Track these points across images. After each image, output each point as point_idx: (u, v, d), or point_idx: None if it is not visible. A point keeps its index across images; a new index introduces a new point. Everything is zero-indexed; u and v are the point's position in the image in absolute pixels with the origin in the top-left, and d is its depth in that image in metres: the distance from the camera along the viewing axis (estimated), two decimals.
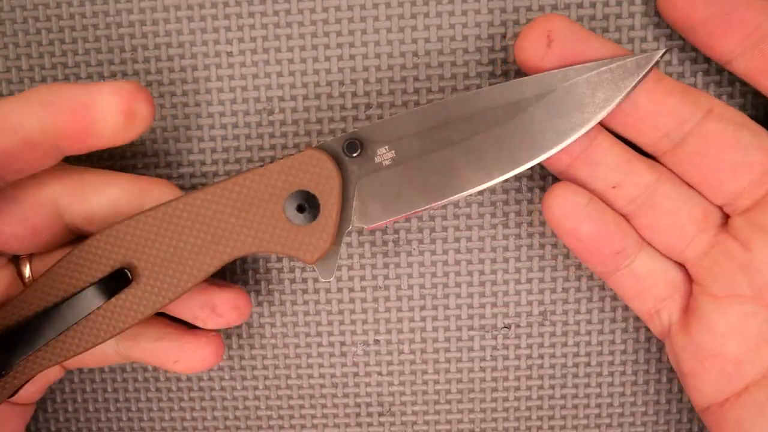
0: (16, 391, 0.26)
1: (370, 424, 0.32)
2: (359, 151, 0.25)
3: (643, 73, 0.24)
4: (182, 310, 0.28)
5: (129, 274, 0.25)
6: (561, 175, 0.27)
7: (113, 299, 0.25)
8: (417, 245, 0.30)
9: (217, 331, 0.29)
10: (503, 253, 0.30)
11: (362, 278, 0.31)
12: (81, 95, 0.23)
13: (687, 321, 0.27)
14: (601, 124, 0.26)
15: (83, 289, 0.25)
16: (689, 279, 0.27)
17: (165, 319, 0.29)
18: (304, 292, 0.31)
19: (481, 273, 0.30)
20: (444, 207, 0.30)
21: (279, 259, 0.31)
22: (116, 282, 0.25)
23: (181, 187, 0.30)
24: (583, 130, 0.25)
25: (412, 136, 0.25)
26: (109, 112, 0.24)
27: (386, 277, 0.31)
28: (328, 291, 0.31)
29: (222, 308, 0.28)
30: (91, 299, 0.25)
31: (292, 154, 0.25)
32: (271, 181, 0.25)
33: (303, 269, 0.31)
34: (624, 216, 0.27)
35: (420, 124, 0.25)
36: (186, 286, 0.25)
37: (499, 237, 0.30)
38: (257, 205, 0.25)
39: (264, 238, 0.25)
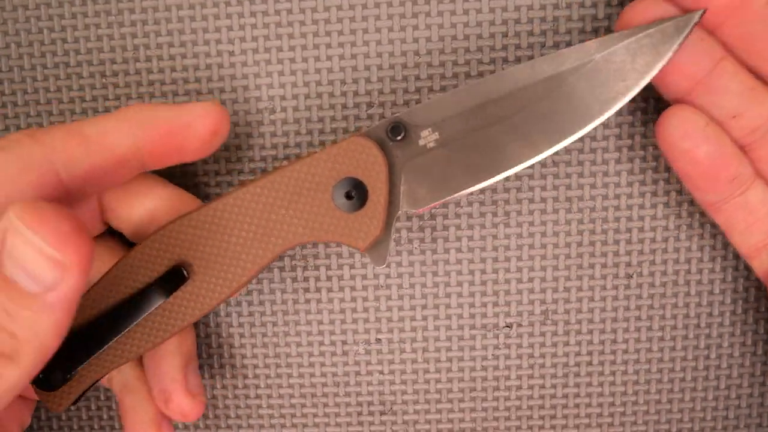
0: (80, 397, 0.26)
1: (371, 423, 0.32)
2: (403, 134, 0.25)
3: (683, 35, 0.24)
4: (151, 379, 0.29)
5: (185, 272, 0.25)
6: (680, 101, 0.26)
7: (171, 297, 0.25)
8: (418, 244, 0.30)
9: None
10: (504, 252, 0.30)
11: (364, 277, 0.31)
12: (176, 117, 0.25)
13: None
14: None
15: (143, 289, 0.25)
16: None
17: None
18: (306, 291, 0.31)
19: (483, 272, 0.30)
20: (445, 206, 0.30)
21: (280, 258, 0.31)
22: (174, 280, 0.25)
23: (184, 186, 0.30)
24: (626, 99, 0.24)
25: (455, 117, 0.25)
26: (201, 133, 0.25)
27: (388, 276, 0.31)
28: (329, 290, 0.31)
29: (173, 406, 0.28)
30: (151, 298, 0.25)
31: (337, 142, 0.25)
32: (318, 170, 0.25)
33: (305, 268, 0.31)
34: (740, 147, 0.26)
35: (461, 105, 0.25)
36: (241, 280, 0.26)
37: (500, 236, 0.30)
38: (306, 194, 0.25)
39: (314, 227, 0.25)
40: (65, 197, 0.24)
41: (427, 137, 0.25)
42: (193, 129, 0.25)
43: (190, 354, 0.29)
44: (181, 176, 0.30)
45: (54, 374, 0.25)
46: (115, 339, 0.25)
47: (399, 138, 0.25)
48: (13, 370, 0.20)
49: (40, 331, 0.20)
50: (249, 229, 0.26)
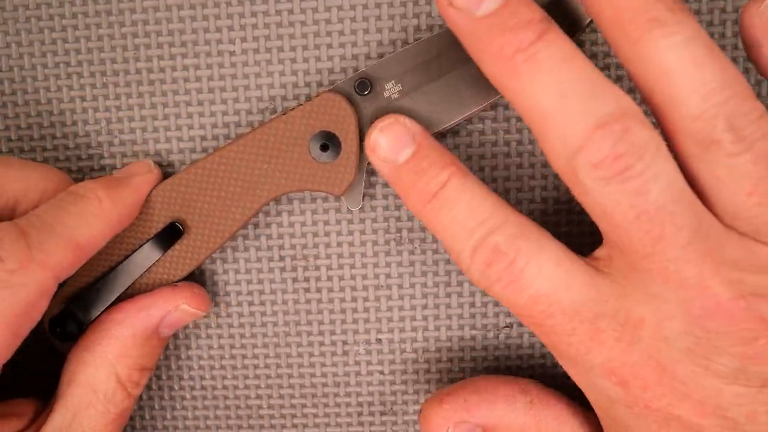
0: None
1: (371, 424, 0.32)
2: (369, 89, 0.27)
3: None
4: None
5: (180, 227, 0.28)
6: None
7: (169, 251, 0.29)
8: (419, 244, 0.30)
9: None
10: None
11: (364, 277, 0.31)
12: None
13: None
14: None
15: (142, 245, 0.28)
16: None
17: None
18: (306, 290, 0.31)
19: None
20: None
21: (281, 258, 0.31)
22: (170, 235, 0.28)
23: None
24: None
25: (415, 69, 0.27)
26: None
27: (388, 276, 0.31)
28: (330, 290, 0.31)
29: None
30: (150, 253, 0.28)
31: (310, 99, 0.27)
32: (294, 126, 0.27)
33: (305, 268, 0.31)
34: None
35: (420, 57, 0.27)
36: (231, 230, 0.28)
37: None
38: (284, 149, 0.28)
39: (294, 179, 0.28)
40: None
41: (391, 89, 0.27)
42: (144, 190, 0.29)
43: None
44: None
45: (69, 327, 0.28)
46: (122, 292, 0.28)
47: (366, 93, 0.27)
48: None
49: None
50: (236, 183, 0.28)
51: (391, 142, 0.25)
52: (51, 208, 0.26)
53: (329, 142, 0.27)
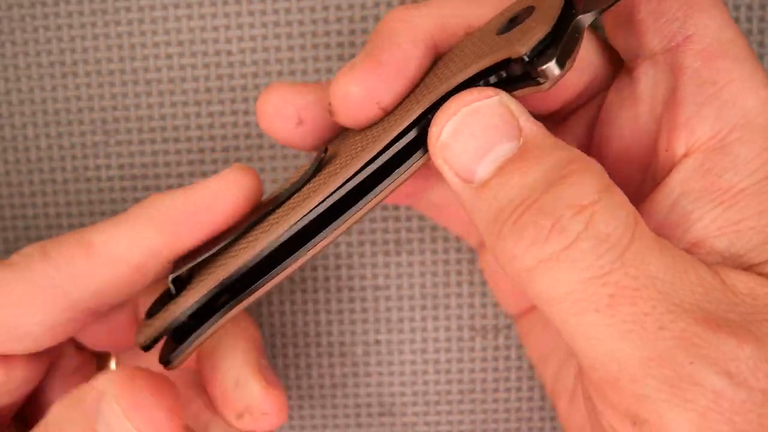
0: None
1: (370, 425, 0.32)
2: None
3: None
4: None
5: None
6: None
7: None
8: (418, 245, 0.30)
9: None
10: None
11: (362, 278, 0.31)
12: (193, 204, 0.22)
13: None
14: None
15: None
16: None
17: None
18: (304, 291, 0.31)
19: (483, 272, 0.30)
20: None
21: None
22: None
23: (179, 186, 0.30)
24: None
25: None
26: (228, 211, 0.23)
27: (387, 277, 0.30)
28: (327, 291, 0.31)
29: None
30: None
31: None
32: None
33: (302, 270, 0.30)
34: None
35: None
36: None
37: None
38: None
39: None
40: (84, 314, 0.23)
41: None
42: (216, 210, 0.22)
43: (257, 343, 0.26)
44: (177, 176, 0.30)
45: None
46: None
47: None
48: None
49: None
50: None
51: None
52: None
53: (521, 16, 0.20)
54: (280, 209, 0.22)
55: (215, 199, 0.22)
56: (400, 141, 0.20)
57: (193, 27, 0.29)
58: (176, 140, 0.30)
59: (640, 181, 0.22)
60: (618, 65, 0.23)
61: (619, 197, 0.18)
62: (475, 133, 0.18)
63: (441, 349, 0.31)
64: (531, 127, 0.18)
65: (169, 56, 0.29)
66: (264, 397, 0.24)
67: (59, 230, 0.31)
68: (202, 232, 0.22)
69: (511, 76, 0.19)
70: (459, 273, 0.30)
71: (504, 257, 0.18)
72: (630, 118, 0.22)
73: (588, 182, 0.17)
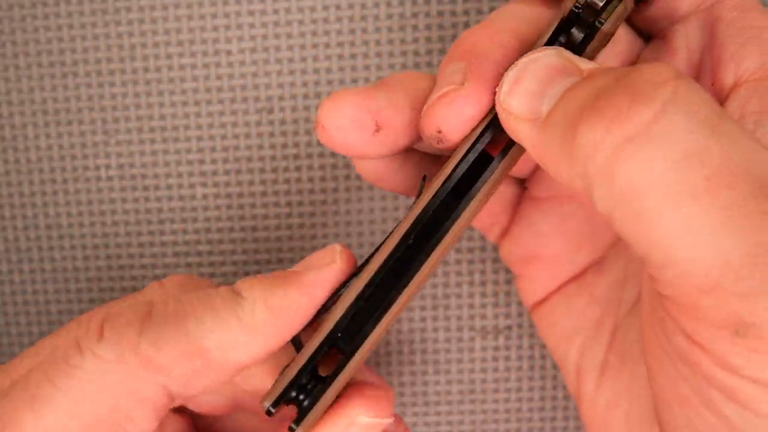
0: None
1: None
2: None
3: None
4: None
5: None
6: None
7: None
8: None
9: None
10: None
11: None
12: (303, 295, 0.21)
13: (512, 226, 0.26)
14: None
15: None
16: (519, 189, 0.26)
17: None
18: None
19: (482, 273, 0.30)
20: None
21: (278, 260, 0.30)
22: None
23: (179, 186, 0.30)
24: None
25: None
26: (330, 286, 0.21)
27: None
28: None
29: None
30: None
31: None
32: None
33: None
34: None
35: None
36: None
37: None
38: None
39: None
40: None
41: None
42: (321, 290, 0.21)
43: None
44: (177, 176, 0.30)
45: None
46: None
47: None
48: None
49: None
50: None
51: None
52: (191, 300, 0.21)
53: None
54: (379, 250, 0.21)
55: (319, 283, 0.21)
56: (477, 145, 0.20)
57: (193, 27, 0.29)
58: (176, 140, 0.30)
59: None
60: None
61: (698, 86, 0.17)
62: (537, 75, 0.18)
63: (441, 349, 0.31)
64: (593, 65, 0.18)
65: (169, 56, 0.29)
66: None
67: (59, 230, 0.30)
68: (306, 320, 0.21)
69: (576, 34, 0.20)
70: (459, 273, 0.30)
71: (582, 157, 0.16)
72: None
73: (664, 67, 0.16)
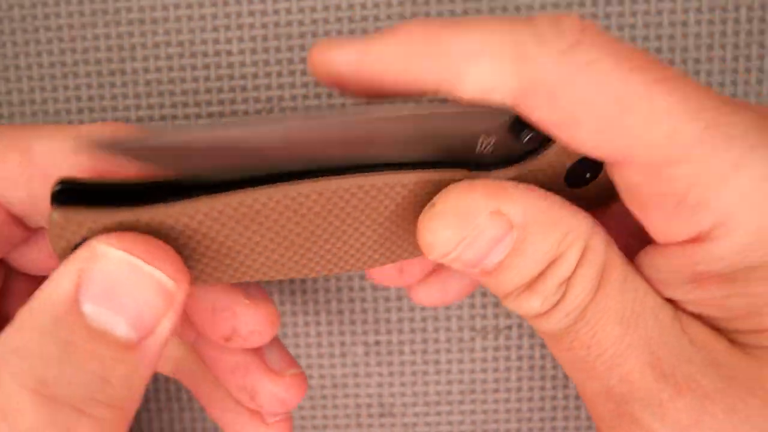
0: None
1: (370, 426, 0.32)
2: None
3: None
4: (221, 376, 0.24)
5: None
6: None
7: None
8: None
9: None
10: None
11: (362, 278, 0.31)
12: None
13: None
14: None
15: None
16: None
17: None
18: (304, 292, 0.31)
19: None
20: None
21: None
22: None
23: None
24: None
25: None
26: None
27: None
28: (327, 291, 0.31)
29: (262, 399, 0.24)
30: None
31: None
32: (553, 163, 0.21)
33: None
34: None
35: None
36: None
37: None
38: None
39: None
40: (14, 222, 0.21)
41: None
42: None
43: None
44: None
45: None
46: None
47: None
48: None
49: (137, 390, 0.17)
50: None
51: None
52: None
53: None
54: None
55: None
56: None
57: (194, 27, 0.29)
58: None
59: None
60: None
61: (593, 256, 0.19)
62: (476, 251, 0.19)
63: (441, 349, 0.31)
64: (521, 217, 0.19)
65: (169, 56, 0.29)
66: (247, 316, 0.22)
67: None
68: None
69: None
70: None
71: (504, 304, 0.20)
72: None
73: (570, 258, 0.19)
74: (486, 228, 0.19)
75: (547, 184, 0.21)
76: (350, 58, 0.19)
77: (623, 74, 0.17)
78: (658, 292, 0.20)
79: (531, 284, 0.19)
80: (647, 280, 0.20)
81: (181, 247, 0.19)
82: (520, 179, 0.20)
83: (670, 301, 0.20)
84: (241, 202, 0.18)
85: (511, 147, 0.20)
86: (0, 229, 0.21)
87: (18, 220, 0.21)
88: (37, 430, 0.15)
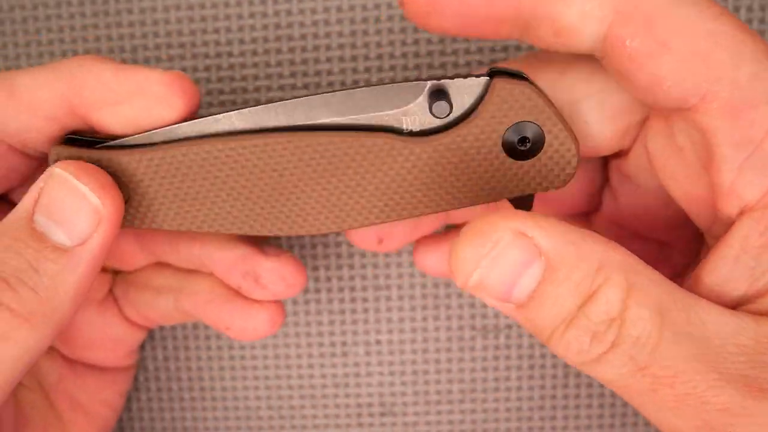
0: None
1: (371, 425, 0.32)
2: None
3: None
4: (227, 275, 0.26)
5: None
6: None
7: None
8: None
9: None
10: None
11: (363, 278, 0.31)
12: (123, 87, 0.21)
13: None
14: None
15: None
16: None
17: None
18: (305, 291, 0.31)
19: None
20: None
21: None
22: None
23: None
24: None
25: None
26: (157, 112, 0.21)
27: (387, 277, 0.31)
28: (329, 291, 0.31)
29: (266, 279, 0.26)
30: None
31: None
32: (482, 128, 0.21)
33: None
34: None
35: None
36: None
37: None
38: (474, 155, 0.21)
39: (491, 186, 0.22)
40: (6, 153, 0.23)
41: None
42: (138, 101, 0.21)
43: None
44: None
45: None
46: None
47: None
48: (28, 333, 0.20)
49: (64, 289, 0.20)
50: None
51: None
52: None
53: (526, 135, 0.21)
54: None
55: (147, 93, 0.21)
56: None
57: (195, 29, 0.29)
58: None
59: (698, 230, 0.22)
60: None
61: (643, 296, 0.18)
62: (502, 275, 0.19)
63: (441, 348, 0.31)
64: (549, 244, 0.19)
65: (170, 58, 0.29)
66: (273, 272, 0.26)
67: None
68: (118, 118, 0.22)
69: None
70: None
71: (557, 354, 0.20)
72: (674, 176, 0.22)
73: (613, 295, 0.18)
74: (509, 247, 0.18)
75: (487, 156, 0.21)
76: None
77: (714, 13, 0.18)
78: (723, 305, 0.19)
79: (572, 320, 0.19)
80: (732, 282, 0.20)
81: (139, 190, 0.22)
82: (458, 154, 0.21)
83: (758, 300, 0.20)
84: (193, 153, 0.21)
85: (433, 123, 0.21)
86: (1, 159, 0.23)
87: (15, 150, 0.23)
88: None
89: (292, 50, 0.29)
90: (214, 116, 0.21)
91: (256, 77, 0.29)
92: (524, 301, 0.19)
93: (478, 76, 0.21)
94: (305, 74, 0.29)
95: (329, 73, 0.29)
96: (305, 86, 0.29)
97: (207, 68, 0.29)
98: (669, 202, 0.23)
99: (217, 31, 0.29)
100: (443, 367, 0.31)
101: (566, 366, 0.31)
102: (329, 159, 0.21)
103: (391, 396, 0.32)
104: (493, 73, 0.21)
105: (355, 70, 0.29)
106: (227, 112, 0.21)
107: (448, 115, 0.21)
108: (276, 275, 0.26)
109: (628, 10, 0.18)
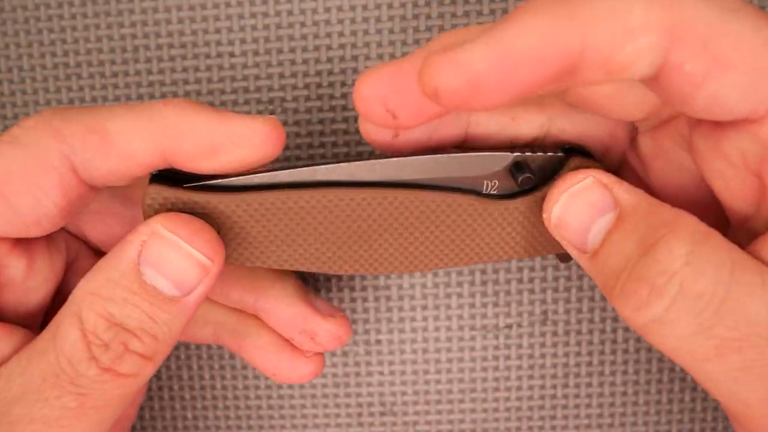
0: None
1: (371, 424, 0.32)
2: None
3: None
4: (283, 328, 0.27)
5: None
6: None
7: None
8: None
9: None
10: None
11: (363, 278, 0.31)
12: (216, 135, 0.22)
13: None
14: None
15: None
16: None
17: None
18: None
19: (483, 272, 0.30)
20: None
21: None
22: None
23: None
24: None
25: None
26: (247, 156, 0.22)
27: (387, 277, 0.31)
28: (329, 290, 0.31)
29: (322, 338, 0.27)
30: None
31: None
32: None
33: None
34: None
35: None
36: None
37: None
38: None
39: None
40: (90, 193, 0.23)
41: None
42: (236, 151, 0.22)
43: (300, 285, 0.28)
44: None
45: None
46: None
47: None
48: (152, 368, 0.22)
49: (175, 332, 0.22)
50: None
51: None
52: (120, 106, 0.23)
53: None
54: None
55: (239, 139, 0.22)
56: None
57: (196, 29, 0.29)
58: None
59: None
60: None
61: (710, 252, 0.18)
62: (578, 213, 0.20)
63: (442, 348, 0.31)
64: (625, 196, 0.20)
65: (172, 58, 0.29)
66: (326, 330, 0.27)
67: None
68: (207, 163, 0.22)
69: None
70: (459, 273, 0.30)
71: (621, 315, 0.19)
72: (715, 170, 0.21)
73: (676, 247, 0.18)
74: (588, 190, 0.20)
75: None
76: (484, 57, 0.17)
77: (765, 23, 0.17)
78: None
79: (632, 270, 0.18)
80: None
81: (232, 230, 0.23)
82: (527, 215, 0.23)
83: None
84: (286, 200, 0.22)
85: (511, 188, 0.23)
86: (75, 194, 0.23)
87: (86, 185, 0.23)
88: (105, 340, 0.21)
89: (292, 50, 0.29)
90: (314, 167, 0.22)
91: (256, 77, 0.29)
92: (597, 249, 0.20)
93: (554, 152, 0.23)
94: (306, 74, 0.29)
95: (330, 73, 0.29)
96: (306, 86, 0.29)
97: (208, 68, 0.29)
98: (701, 186, 0.22)
99: (218, 31, 0.29)
100: (443, 366, 0.31)
101: (566, 366, 0.31)
102: (414, 212, 0.23)
103: (391, 395, 0.32)
104: (566, 150, 0.23)
105: (355, 71, 0.29)
106: (318, 165, 0.23)
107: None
108: (332, 336, 0.27)
109: (682, 34, 0.17)
